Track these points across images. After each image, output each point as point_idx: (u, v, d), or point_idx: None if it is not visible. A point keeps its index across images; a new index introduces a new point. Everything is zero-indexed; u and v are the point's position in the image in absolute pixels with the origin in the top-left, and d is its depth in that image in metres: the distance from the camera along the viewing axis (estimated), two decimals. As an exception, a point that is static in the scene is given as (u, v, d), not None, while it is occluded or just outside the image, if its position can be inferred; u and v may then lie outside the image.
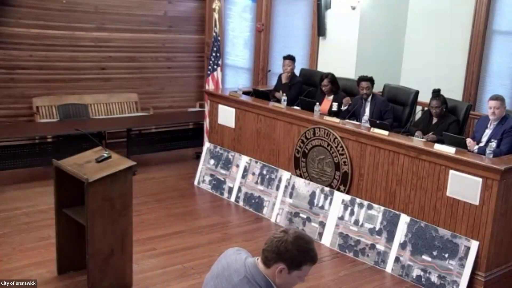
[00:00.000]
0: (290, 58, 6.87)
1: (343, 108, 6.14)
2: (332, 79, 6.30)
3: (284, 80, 6.91)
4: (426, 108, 5.92)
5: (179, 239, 5.34)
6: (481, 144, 5.00)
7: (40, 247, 4.97)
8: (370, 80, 5.94)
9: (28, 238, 5.14)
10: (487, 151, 4.59)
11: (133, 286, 4.38)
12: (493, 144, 4.76)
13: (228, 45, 9.04)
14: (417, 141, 5.04)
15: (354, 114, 5.94)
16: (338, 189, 5.45)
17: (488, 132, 5.07)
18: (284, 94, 6.34)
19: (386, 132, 5.09)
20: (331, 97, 6.32)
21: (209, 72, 7.30)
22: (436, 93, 5.47)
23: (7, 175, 6.60)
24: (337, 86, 6.34)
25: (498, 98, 5.00)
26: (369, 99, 5.97)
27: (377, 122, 5.34)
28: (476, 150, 4.89)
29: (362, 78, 5.97)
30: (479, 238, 4.46)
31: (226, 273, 2.32)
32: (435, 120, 5.51)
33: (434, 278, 4.63)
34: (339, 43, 7.11)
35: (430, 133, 5.37)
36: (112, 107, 8.48)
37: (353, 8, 6.80)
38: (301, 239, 2.23)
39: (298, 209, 5.69)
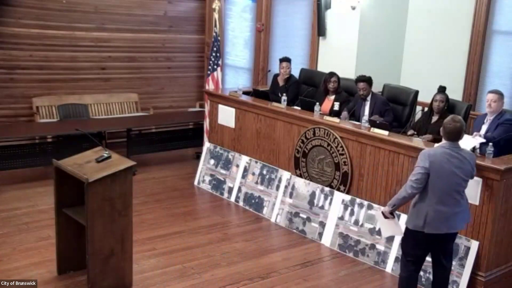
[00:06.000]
0: (287, 60, 6.87)
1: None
2: (339, 78, 6.33)
3: (281, 83, 6.90)
4: (426, 108, 5.92)
5: (179, 239, 5.34)
6: (477, 144, 5.02)
7: (40, 247, 4.98)
8: (368, 81, 5.94)
9: (28, 238, 5.15)
10: (487, 151, 4.59)
11: (133, 286, 4.39)
12: (491, 140, 4.80)
13: (228, 45, 9.04)
14: (417, 141, 5.04)
15: (354, 114, 5.94)
16: (338, 189, 5.45)
17: (484, 127, 5.09)
18: (284, 94, 6.34)
19: (386, 132, 5.09)
20: (333, 97, 6.33)
21: (209, 72, 7.30)
22: (442, 88, 5.53)
23: (7, 175, 6.61)
24: (339, 86, 6.36)
25: (496, 92, 5.06)
26: (369, 98, 5.97)
27: (377, 122, 5.34)
28: (482, 136, 4.90)
29: (359, 79, 5.98)
30: (479, 238, 4.46)
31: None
32: (434, 119, 5.51)
33: (434, 278, 4.62)
34: (339, 43, 7.11)
35: (427, 133, 5.38)
36: (112, 107, 8.49)
37: (353, 8, 6.80)
38: None
39: (298, 209, 5.69)
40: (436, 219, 3.86)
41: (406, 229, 4.02)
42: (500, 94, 5.03)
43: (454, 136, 3.88)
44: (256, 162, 6.25)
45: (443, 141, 3.93)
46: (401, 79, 7.13)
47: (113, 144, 7.38)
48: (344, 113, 5.90)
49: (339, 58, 7.04)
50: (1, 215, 5.64)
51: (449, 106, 5.54)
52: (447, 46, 6.64)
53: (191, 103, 9.25)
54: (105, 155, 4.29)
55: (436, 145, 4.09)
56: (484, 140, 4.86)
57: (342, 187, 5.43)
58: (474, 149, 4.92)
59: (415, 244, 4.00)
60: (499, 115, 5.02)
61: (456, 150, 3.89)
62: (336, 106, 6.22)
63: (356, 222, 5.23)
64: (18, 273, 4.49)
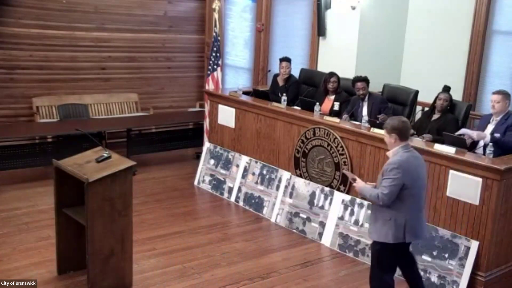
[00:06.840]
0: (287, 60, 6.87)
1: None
2: (338, 78, 6.33)
3: (280, 82, 6.90)
4: (426, 108, 5.92)
5: (179, 239, 5.34)
6: (482, 142, 5.00)
7: (40, 247, 4.98)
8: (365, 80, 5.95)
9: (28, 238, 5.15)
10: (487, 151, 4.59)
11: (133, 286, 4.39)
12: (497, 135, 4.76)
13: (228, 45, 9.04)
14: (417, 141, 5.03)
15: (353, 114, 5.94)
16: (338, 189, 5.45)
17: (490, 127, 5.04)
18: (284, 94, 6.34)
19: (386, 132, 5.08)
20: (333, 96, 6.33)
21: (209, 72, 7.30)
22: (447, 88, 5.54)
23: (7, 175, 6.61)
24: (339, 86, 6.37)
25: (499, 92, 5.01)
26: (366, 98, 5.97)
27: (377, 122, 5.34)
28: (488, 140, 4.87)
29: (357, 79, 5.98)
30: (479, 238, 4.46)
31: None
32: (434, 117, 5.51)
33: (434, 278, 4.63)
34: (339, 43, 7.11)
35: (427, 132, 5.37)
36: (112, 107, 8.49)
37: (353, 8, 6.80)
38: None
39: (298, 209, 5.69)
40: (415, 226, 3.88)
41: (386, 245, 3.91)
42: (504, 94, 4.97)
43: (408, 133, 3.90)
44: (256, 162, 6.25)
45: (399, 146, 3.84)
46: (401, 79, 7.12)
47: (113, 144, 7.38)
48: (345, 116, 5.89)
49: (339, 58, 7.04)
50: (1, 215, 5.64)
51: (452, 106, 5.54)
52: (447, 46, 6.64)
53: (191, 103, 9.25)
54: (105, 155, 4.29)
55: (391, 152, 3.90)
56: (488, 138, 4.85)
57: (342, 187, 5.43)
58: (475, 148, 4.93)
59: (396, 256, 4.04)
60: (505, 115, 4.97)
61: (412, 150, 3.92)
62: (336, 106, 6.22)
63: (356, 222, 5.22)
64: (18, 273, 4.49)
